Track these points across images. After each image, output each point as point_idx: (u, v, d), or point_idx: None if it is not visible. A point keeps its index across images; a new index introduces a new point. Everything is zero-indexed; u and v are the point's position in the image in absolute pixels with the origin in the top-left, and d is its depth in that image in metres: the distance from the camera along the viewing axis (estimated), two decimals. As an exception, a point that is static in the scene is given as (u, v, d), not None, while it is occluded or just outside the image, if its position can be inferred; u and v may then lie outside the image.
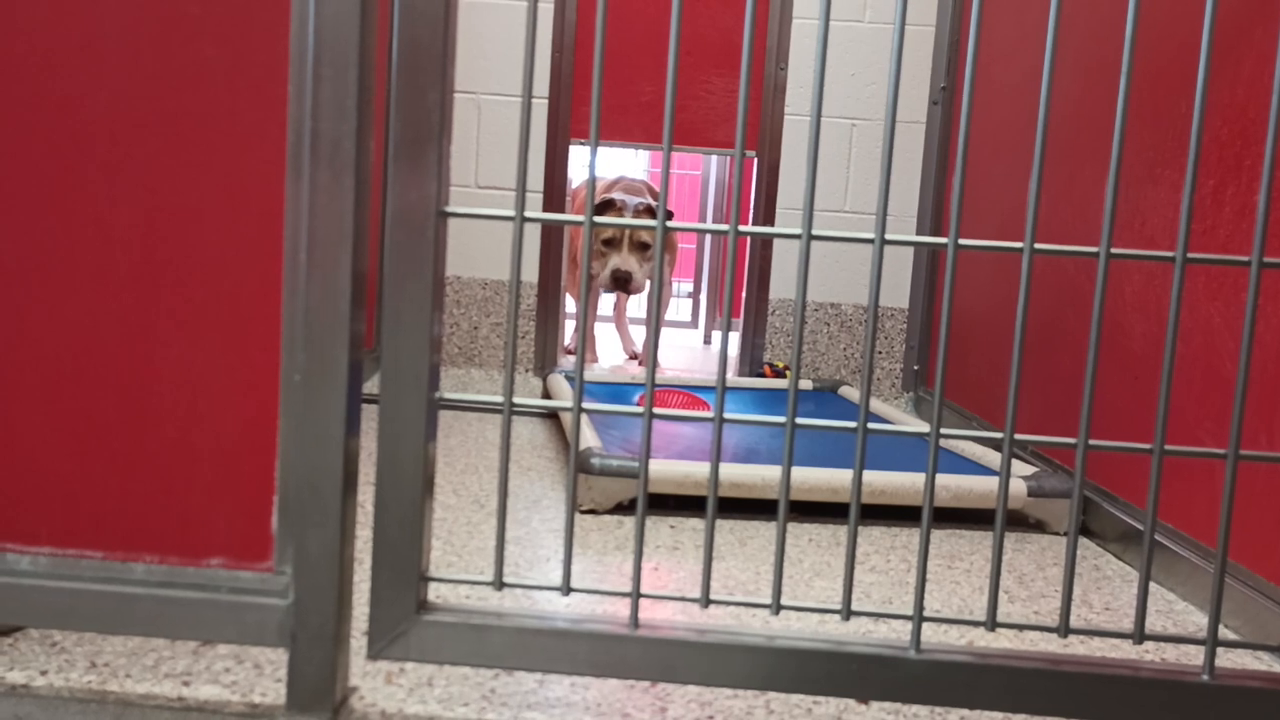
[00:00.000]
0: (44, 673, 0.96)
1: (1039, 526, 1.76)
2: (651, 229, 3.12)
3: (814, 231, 0.85)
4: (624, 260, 3.06)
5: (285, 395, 0.88)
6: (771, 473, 1.68)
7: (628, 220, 1.01)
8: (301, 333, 0.86)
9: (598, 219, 0.86)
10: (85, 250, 0.88)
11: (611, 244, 3.08)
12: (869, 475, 1.69)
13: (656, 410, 0.87)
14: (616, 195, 3.14)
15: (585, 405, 0.87)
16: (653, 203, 3.17)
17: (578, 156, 3.03)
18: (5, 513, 0.90)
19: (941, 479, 1.70)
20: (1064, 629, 0.87)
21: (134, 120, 0.86)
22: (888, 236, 0.84)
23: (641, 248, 3.08)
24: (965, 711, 1.02)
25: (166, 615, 0.89)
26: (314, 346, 0.86)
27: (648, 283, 3.15)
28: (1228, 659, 1.21)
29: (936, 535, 1.69)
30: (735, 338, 3.12)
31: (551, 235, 2.92)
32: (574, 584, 0.90)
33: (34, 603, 0.89)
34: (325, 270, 0.85)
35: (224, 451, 0.89)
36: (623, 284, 3.08)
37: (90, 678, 0.96)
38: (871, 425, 0.85)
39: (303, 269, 0.85)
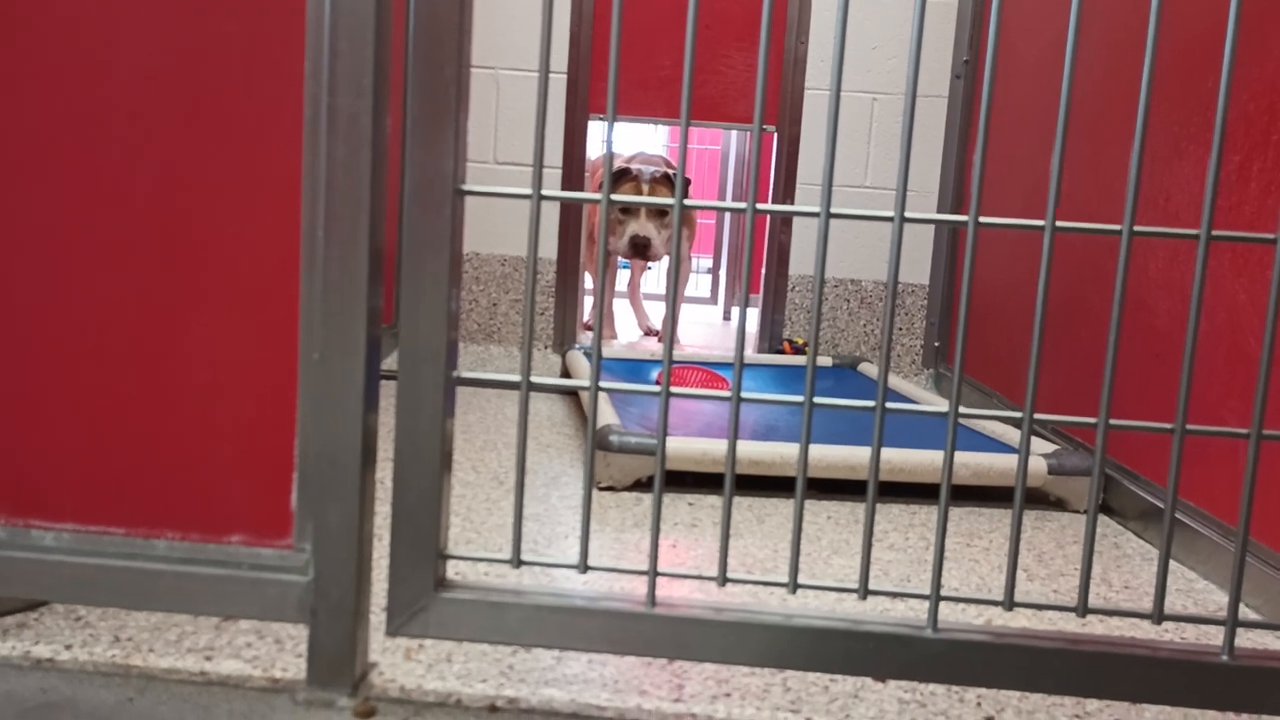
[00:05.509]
0: (68, 647, 0.97)
1: (1059, 504, 1.75)
2: (670, 194, 3.14)
3: (833, 209, 0.84)
4: (642, 227, 3.05)
5: (304, 372, 0.88)
6: (790, 450, 1.68)
7: (646, 198, 1.00)
8: (320, 309, 0.86)
9: (615, 196, 0.85)
10: (106, 227, 0.88)
11: (629, 211, 3.07)
12: (888, 453, 1.69)
13: (674, 389, 0.86)
14: (633, 166, 3.13)
15: (603, 384, 0.87)
16: (669, 170, 3.15)
17: (596, 132, 3.01)
18: (30, 490, 0.91)
19: (961, 456, 1.70)
20: (1082, 608, 0.87)
21: (153, 95, 0.86)
22: (908, 214, 0.83)
23: (660, 214, 3.08)
24: (982, 690, 1.02)
25: (188, 591, 0.90)
26: (332, 323, 0.86)
27: (666, 252, 3.14)
28: (1248, 639, 1.20)
29: (955, 513, 1.68)
30: (754, 314, 3.11)
31: (570, 212, 2.92)
32: (592, 561, 0.90)
33: (58, 578, 0.91)
34: (343, 246, 0.85)
35: (244, 429, 0.90)
36: (641, 250, 3.07)
37: (114, 652, 0.97)
38: (890, 404, 0.85)
39: (320, 245, 0.85)
